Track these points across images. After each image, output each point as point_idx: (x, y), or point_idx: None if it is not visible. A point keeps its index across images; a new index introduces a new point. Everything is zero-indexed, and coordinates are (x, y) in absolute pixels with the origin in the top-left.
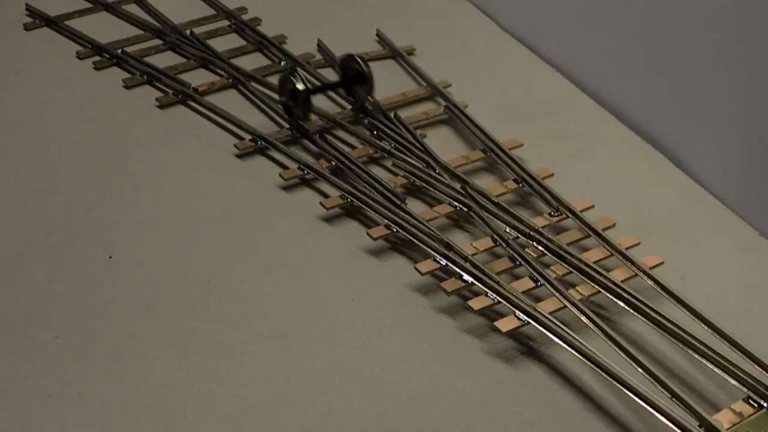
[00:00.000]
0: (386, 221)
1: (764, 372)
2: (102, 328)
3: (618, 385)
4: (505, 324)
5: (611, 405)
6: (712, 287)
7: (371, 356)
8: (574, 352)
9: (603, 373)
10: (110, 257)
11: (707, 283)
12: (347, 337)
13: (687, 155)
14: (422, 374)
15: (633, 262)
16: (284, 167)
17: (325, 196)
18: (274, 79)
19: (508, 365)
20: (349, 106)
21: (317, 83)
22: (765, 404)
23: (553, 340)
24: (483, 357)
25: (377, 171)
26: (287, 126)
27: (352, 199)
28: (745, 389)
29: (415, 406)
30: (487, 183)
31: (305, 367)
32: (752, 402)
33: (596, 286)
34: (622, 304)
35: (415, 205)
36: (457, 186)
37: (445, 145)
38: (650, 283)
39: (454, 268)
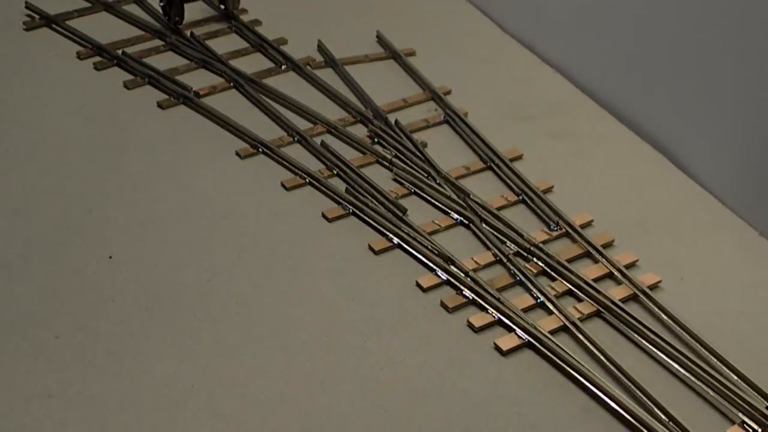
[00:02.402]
0: (388, 233)
1: (761, 397)
2: (102, 328)
3: (616, 406)
4: (506, 342)
5: (611, 406)
6: (711, 288)
7: (371, 356)
8: (574, 373)
9: (601, 394)
10: (110, 257)
11: (707, 284)
12: (347, 337)
13: (687, 155)
14: (422, 374)
15: (632, 281)
16: (285, 167)
17: (326, 195)
18: (274, 81)
19: (509, 365)
20: (350, 111)
21: None
22: (760, 430)
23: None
24: (483, 357)
25: (378, 171)
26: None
27: (354, 209)
28: (740, 414)
29: (415, 406)
30: (487, 191)
31: (305, 367)
32: (747, 427)
33: (595, 304)
34: (621, 323)
35: (415, 208)
36: (458, 196)
37: (445, 149)
38: (649, 303)
39: (456, 282)
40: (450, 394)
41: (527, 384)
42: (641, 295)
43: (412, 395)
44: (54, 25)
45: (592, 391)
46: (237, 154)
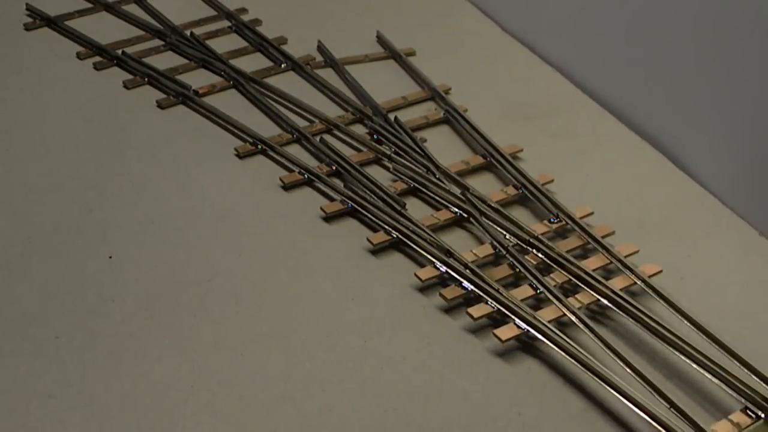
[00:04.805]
0: (386, 227)
1: (762, 383)
2: (102, 328)
3: (617, 395)
4: (505, 332)
5: (611, 405)
6: (712, 287)
7: (371, 356)
8: (574, 361)
9: (603, 384)
10: (110, 257)
11: (707, 283)
12: (347, 337)
13: (687, 155)
14: (422, 374)
15: (632, 271)
16: (284, 166)
17: (326, 195)
18: (273, 81)
19: (508, 365)
20: (350, 110)
21: None
22: (763, 415)
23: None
24: (483, 357)
25: (377, 171)
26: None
27: (353, 204)
28: (743, 400)
29: (415, 406)
30: (487, 187)
31: (305, 367)
32: (750, 413)
33: (595, 294)
34: (621, 313)
35: (414, 205)
36: (458, 191)
37: (445, 147)
38: (649, 292)
39: (454, 275)
40: (450, 394)
41: (527, 384)
42: (641, 284)
43: (412, 395)
44: (54, 25)
45: (591, 383)
46: (236, 150)
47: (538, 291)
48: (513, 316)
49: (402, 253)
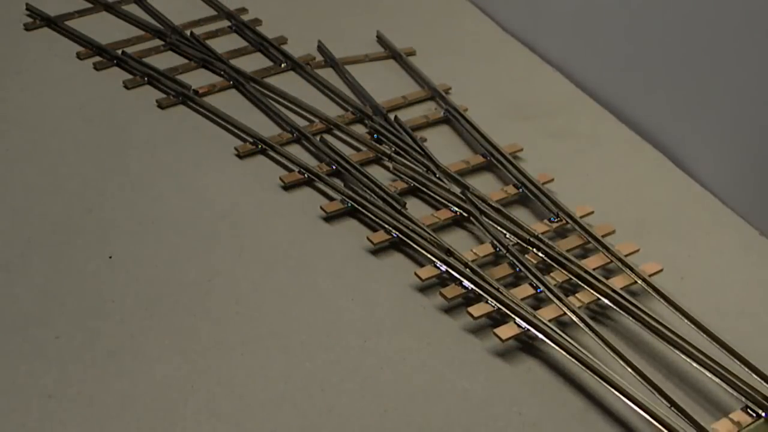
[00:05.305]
0: (387, 226)
1: (762, 382)
2: (102, 328)
3: (618, 393)
4: (505, 331)
5: (611, 404)
6: (712, 287)
7: (371, 356)
8: (574, 360)
9: (603, 382)
10: (110, 257)
11: (707, 283)
12: (347, 337)
13: (687, 155)
14: (422, 374)
15: (633, 270)
16: (284, 166)
17: (326, 195)
18: (274, 80)
19: (509, 365)
20: (350, 109)
21: None
22: (763, 414)
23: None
24: (483, 356)
25: (377, 171)
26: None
27: (353, 203)
28: (743, 399)
29: (415, 406)
30: (487, 187)
31: (305, 367)
32: (750, 411)
33: (596, 294)
34: (621, 312)
35: (415, 205)
36: (458, 191)
37: (445, 146)
38: (650, 291)
39: (454, 274)
40: (450, 394)
41: (527, 384)
42: (641, 283)
43: (412, 395)
44: (54, 25)
45: (591, 382)
46: (236, 150)
47: (539, 290)
48: (513, 316)
49: (402, 253)
